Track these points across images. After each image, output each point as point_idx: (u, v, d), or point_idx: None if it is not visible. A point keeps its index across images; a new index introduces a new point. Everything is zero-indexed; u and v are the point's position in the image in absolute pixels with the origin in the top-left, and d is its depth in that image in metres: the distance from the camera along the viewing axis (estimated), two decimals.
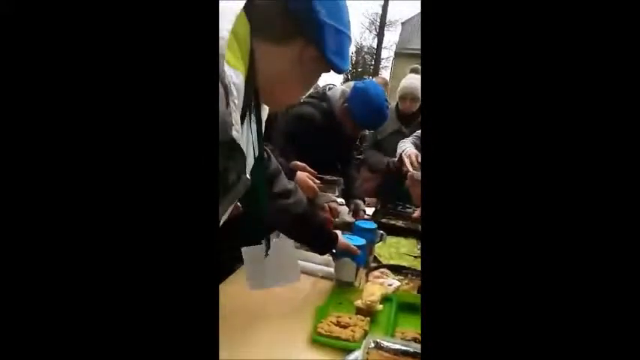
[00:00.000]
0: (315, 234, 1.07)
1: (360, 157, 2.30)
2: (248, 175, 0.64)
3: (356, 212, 1.70)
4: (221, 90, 0.50)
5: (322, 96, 1.70)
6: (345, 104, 1.64)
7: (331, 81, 1.86)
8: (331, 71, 0.66)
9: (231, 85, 0.52)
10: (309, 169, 1.44)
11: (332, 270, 1.13)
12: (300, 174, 1.38)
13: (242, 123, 0.62)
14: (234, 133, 0.54)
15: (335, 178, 1.57)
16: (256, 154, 0.75)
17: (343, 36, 0.64)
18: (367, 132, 2.49)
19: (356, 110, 1.61)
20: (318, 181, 1.44)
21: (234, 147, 0.56)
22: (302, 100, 1.68)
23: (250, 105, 0.67)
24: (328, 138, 1.61)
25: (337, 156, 1.83)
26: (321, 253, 1.13)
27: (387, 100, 1.68)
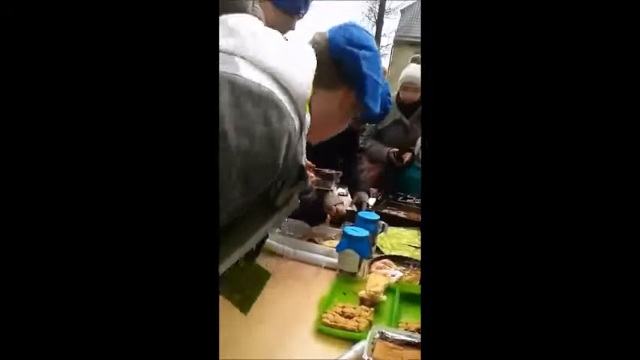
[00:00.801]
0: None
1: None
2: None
3: (359, 205, 1.70)
4: (297, 123, 0.56)
5: None
6: None
7: None
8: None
9: (305, 121, 0.60)
10: (308, 162, 1.45)
11: (335, 260, 1.14)
12: None
13: None
14: (304, 162, 0.61)
15: (333, 171, 1.57)
16: None
17: (378, 85, 0.75)
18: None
19: (280, 2, 1.51)
20: (313, 175, 1.44)
21: (302, 175, 0.62)
22: None
23: None
24: None
25: (340, 150, 1.83)
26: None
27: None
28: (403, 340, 0.77)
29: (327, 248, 1.24)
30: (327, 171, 1.53)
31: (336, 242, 1.24)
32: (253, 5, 0.93)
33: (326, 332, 0.84)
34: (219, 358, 0.39)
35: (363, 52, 0.72)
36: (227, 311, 0.85)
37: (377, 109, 0.77)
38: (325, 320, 0.85)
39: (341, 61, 0.70)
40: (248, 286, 0.74)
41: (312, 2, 1.47)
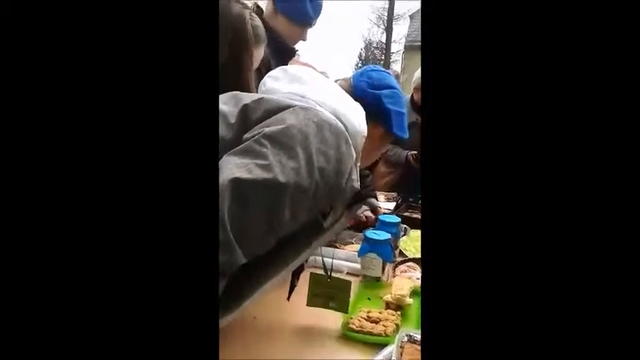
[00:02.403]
0: None
1: None
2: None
3: (374, 210, 1.68)
4: (355, 154, 0.67)
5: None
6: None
7: (340, 70, 1.82)
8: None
9: (359, 153, 0.70)
10: None
11: (358, 266, 1.12)
12: None
13: None
14: (358, 187, 0.69)
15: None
16: None
17: (402, 115, 0.88)
18: None
19: (291, 12, 1.56)
20: None
21: (358, 198, 0.72)
22: None
23: None
24: None
25: None
26: None
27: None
28: None
29: (348, 253, 1.22)
30: None
31: (357, 247, 1.22)
32: (250, 15, 0.95)
33: (352, 338, 0.81)
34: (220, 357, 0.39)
35: (383, 91, 0.84)
36: (249, 319, 0.85)
37: (405, 135, 0.90)
38: (351, 326, 0.83)
39: (364, 101, 0.78)
40: (336, 294, 0.87)
41: (322, 9, 1.48)
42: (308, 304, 0.87)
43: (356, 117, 0.70)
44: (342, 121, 0.66)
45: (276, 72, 0.74)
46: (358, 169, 0.71)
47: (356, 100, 0.76)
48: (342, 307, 0.86)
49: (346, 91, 0.77)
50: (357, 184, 0.68)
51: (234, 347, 0.78)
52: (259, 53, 0.97)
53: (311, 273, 0.89)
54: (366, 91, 0.84)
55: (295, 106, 0.64)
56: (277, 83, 0.72)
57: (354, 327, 0.83)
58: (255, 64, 0.90)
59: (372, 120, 0.79)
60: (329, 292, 0.87)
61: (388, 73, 0.91)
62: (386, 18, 16.73)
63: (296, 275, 0.88)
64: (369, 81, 0.85)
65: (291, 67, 0.75)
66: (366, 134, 0.71)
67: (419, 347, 0.74)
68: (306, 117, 0.62)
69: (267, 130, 0.59)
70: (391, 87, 0.86)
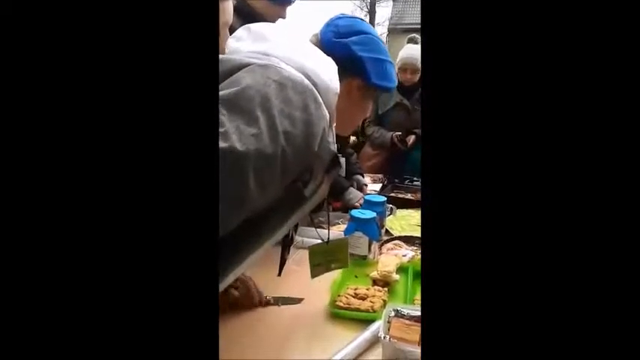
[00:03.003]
0: None
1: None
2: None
3: (360, 188, 1.68)
4: (328, 115, 0.61)
5: None
6: None
7: None
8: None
9: (333, 113, 0.64)
10: None
11: None
12: None
13: None
14: (335, 149, 0.63)
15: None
16: None
17: (383, 62, 0.76)
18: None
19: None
20: None
21: (336, 161, 0.64)
22: None
23: None
24: None
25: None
26: None
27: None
28: (419, 317, 0.75)
29: (334, 233, 1.21)
30: None
31: (343, 227, 1.22)
32: None
33: (340, 315, 0.81)
34: (221, 357, 0.38)
35: (352, 39, 0.73)
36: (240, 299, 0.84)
37: (391, 83, 0.78)
38: (339, 303, 0.83)
39: (334, 54, 0.68)
40: (336, 255, 0.89)
41: None
42: (312, 276, 0.86)
43: (326, 72, 0.62)
44: (310, 78, 0.59)
45: (240, 31, 0.67)
46: (334, 130, 0.65)
47: (326, 54, 0.67)
48: (344, 263, 0.89)
49: (316, 46, 0.69)
50: (333, 147, 0.63)
51: (224, 327, 0.77)
52: (227, 6, 0.84)
53: (309, 247, 0.90)
54: (333, 41, 0.73)
55: (253, 64, 0.56)
56: (240, 43, 0.64)
57: (342, 304, 0.83)
58: (223, 17, 0.78)
59: (346, 73, 0.70)
60: (328, 257, 0.88)
61: (360, 19, 0.81)
62: (369, 1, 16.54)
63: (286, 249, 0.84)
64: (336, 30, 0.74)
65: (255, 25, 0.66)
66: (338, 91, 0.64)
67: (407, 321, 0.74)
68: (264, 76, 0.54)
69: (221, 93, 0.52)
70: (362, 32, 0.74)
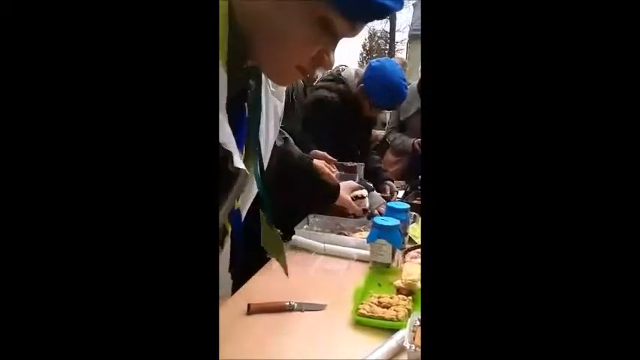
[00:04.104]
0: (316, 186, 1.18)
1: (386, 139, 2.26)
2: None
3: (392, 194, 1.67)
4: None
5: (337, 78, 1.65)
6: (361, 84, 1.59)
7: (344, 62, 1.81)
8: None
9: None
10: (329, 157, 1.41)
11: (367, 252, 1.11)
12: (316, 161, 1.31)
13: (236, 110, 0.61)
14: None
15: (355, 164, 1.52)
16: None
17: None
18: (388, 113, 2.43)
19: (373, 89, 1.56)
20: (335, 170, 1.39)
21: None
22: (316, 85, 1.64)
23: (246, 92, 0.65)
24: (347, 121, 1.57)
25: (357, 140, 1.78)
26: (323, 206, 1.23)
27: (404, 79, 1.61)
28: None
29: (357, 240, 1.21)
30: (349, 164, 1.49)
31: (366, 234, 1.21)
32: None
33: (364, 323, 0.81)
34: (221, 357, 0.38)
35: None
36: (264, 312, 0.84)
37: (361, 16, 0.51)
38: (362, 311, 0.83)
39: None
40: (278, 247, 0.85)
41: None
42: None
43: None
44: None
45: None
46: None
47: None
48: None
49: None
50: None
51: (244, 341, 0.78)
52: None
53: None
54: None
55: None
56: None
57: (365, 312, 0.82)
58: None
59: None
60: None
61: None
62: None
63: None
64: None
65: None
66: None
67: None
68: None
69: None
70: None
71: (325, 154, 1.41)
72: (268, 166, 0.79)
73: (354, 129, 1.67)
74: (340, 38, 0.55)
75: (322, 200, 1.19)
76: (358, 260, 1.13)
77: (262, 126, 0.72)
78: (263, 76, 0.67)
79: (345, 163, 1.47)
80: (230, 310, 0.85)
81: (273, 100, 0.75)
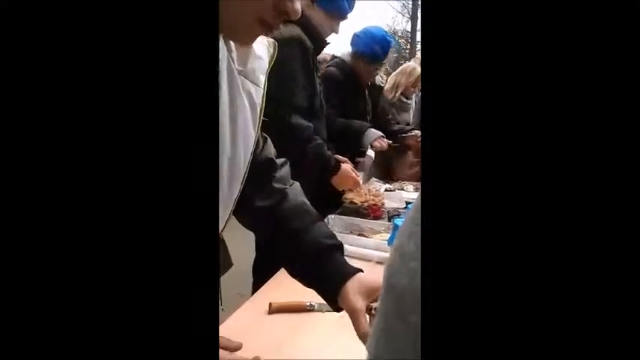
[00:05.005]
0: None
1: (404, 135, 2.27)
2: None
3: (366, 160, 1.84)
4: None
5: (333, 57, 2.00)
6: (353, 49, 1.88)
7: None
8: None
9: None
10: (349, 163, 1.56)
11: (387, 254, 1.11)
12: (344, 166, 1.48)
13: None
14: None
15: (362, 158, 1.79)
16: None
17: None
18: (412, 115, 2.42)
19: (362, 46, 1.83)
20: (358, 174, 1.55)
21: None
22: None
23: None
24: (350, 88, 1.87)
25: (364, 104, 2.06)
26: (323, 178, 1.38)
27: (388, 34, 1.93)
28: None
29: (377, 242, 1.21)
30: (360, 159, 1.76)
31: (386, 235, 1.21)
32: None
33: None
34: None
35: None
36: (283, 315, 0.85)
37: None
38: None
39: None
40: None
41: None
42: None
43: None
44: None
45: None
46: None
47: None
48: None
49: None
50: None
51: (264, 340, 0.78)
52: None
53: None
54: None
55: None
56: None
57: None
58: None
59: None
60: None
61: None
62: (411, 6, 16.37)
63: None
64: None
65: None
66: None
67: None
68: None
69: None
70: None
71: (346, 159, 1.55)
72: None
73: (357, 93, 1.97)
74: None
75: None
76: (378, 262, 1.13)
77: (225, 109, 0.61)
78: (224, 52, 0.60)
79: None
80: (251, 309, 0.86)
81: (243, 82, 0.64)
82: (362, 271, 0.68)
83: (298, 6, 0.53)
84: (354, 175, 1.47)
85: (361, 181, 1.60)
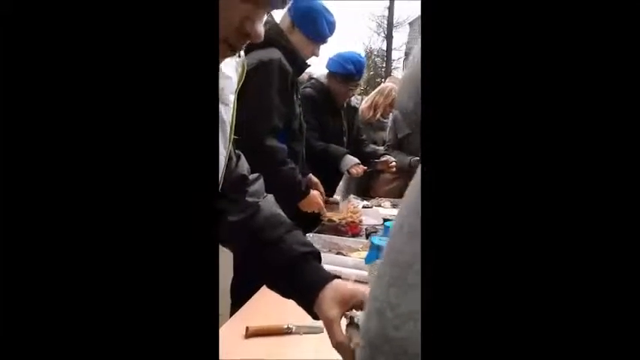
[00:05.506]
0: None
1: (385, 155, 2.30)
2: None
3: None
4: None
5: (310, 79, 2.01)
6: (328, 70, 1.93)
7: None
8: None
9: None
10: (320, 187, 1.61)
11: (365, 273, 1.11)
12: (313, 192, 1.52)
13: None
14: None
15: (337, 199, 1.84)
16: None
17: None
18: (388, 133, 2.47)
19: (336, 66, 1.89)
20: (324, 200, 1.60)
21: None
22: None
23: None
24: (326, 108, 1.93)
25: (340, 124, 2.07)
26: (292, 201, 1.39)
27: (360, 55, 1.97)
28: None
29: (355, 260, 1.21)
30: (331, 199, 1.78)
31: (364, 253, 1.22)
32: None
33: None
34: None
35: None
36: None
37: None
38: None
39: None
40: None
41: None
42: None
43: None
44: None
45: None
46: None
47: None
48: None
49: None
50: None
51: (246, 352, 0.77)
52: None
53: None
54: None
55: None
56: None
57: None
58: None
59: None
60: None
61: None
62: (386, 26, 16.86)
63: None
64: None
65: None
66: None
67: None
68: None
69: None
70: None
71: (318, 182, 1.60)
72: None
73: (333, 113, 2.00)
74: (265, 7, 0.55)
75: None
76: (357, 281, 1.13)
77: None
78: None
79: (329, 199, 1.72)
80: (228, 333, 0.85)
81: None
82: (339, 278, 0.68)
83: (261, 29, 0.55)
84: (320, 201, 1.53)
85: (340, 204, 1.67)
